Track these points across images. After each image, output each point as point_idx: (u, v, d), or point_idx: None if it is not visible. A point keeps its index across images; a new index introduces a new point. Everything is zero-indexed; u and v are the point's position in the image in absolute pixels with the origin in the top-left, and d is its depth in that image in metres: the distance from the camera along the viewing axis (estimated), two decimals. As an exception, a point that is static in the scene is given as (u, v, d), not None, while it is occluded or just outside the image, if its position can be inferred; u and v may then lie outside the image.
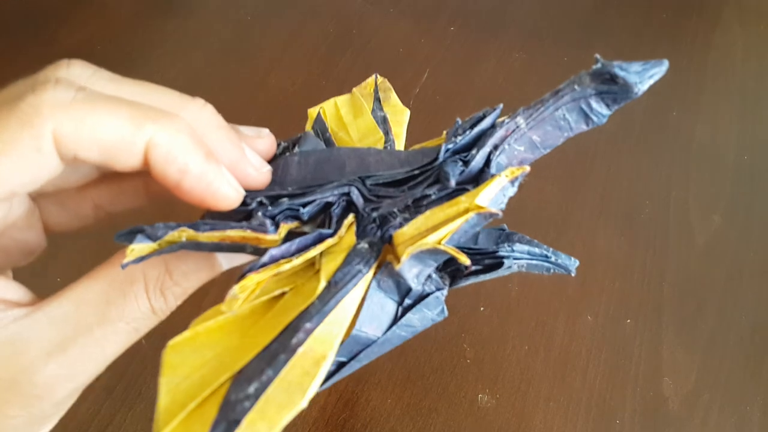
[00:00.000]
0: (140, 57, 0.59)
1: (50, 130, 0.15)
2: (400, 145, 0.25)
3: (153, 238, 0.17)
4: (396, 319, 0.18)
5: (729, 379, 0.43)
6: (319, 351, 0.15)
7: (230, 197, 0.18)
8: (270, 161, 0.21)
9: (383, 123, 0.26)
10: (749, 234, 0.50)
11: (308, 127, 0.26)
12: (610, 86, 0.16)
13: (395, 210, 0.18)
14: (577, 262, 0.19)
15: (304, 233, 0.18)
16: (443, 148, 0.18)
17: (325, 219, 0.19)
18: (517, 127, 0.17)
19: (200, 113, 0.18)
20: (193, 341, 0.16)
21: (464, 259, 0.16)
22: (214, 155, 0.17)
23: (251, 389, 0.14)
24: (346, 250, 0.17)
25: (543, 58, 0.63)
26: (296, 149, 0.22)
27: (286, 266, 0.17)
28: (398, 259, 0.17)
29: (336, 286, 0.16)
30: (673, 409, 0.41)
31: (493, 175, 0.17)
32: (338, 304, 0.16)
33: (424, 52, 0.62)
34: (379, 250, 0.18)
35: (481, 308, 0.45)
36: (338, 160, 0.20)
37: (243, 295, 0.17)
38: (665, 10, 0.68)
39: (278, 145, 0.22)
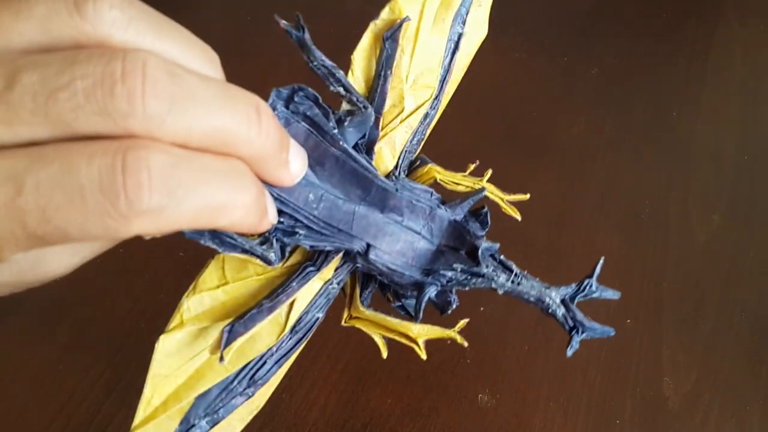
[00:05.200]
0: (140, 57, 0.59)
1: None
2: (458, 74, 0.26)
3: None
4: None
5: (729, 379, 0.43)
6: (256, 402, 0.22)
7: (265, 230, 0.19)
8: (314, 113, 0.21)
9: (450, 54, 0.25)
10: (749, 234, 0.50)
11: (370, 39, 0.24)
12: (566, 321, 0.22)
13: (376, 275, 0.23)
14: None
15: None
16: (429, 281, 0.23)
17: (319, 253, 0.22)
18: (494, 289, 0.23)
19: (264, 145, 0.17)
20: (177, 333, 0.20)
21: (384, 352, 0.23)
22: (265, 212, 0.18)
23: (204, 422, 0.21)
24: (323, 281, 0.22)
25: (543, 58, 0.63)
26: (347, 122, 0.22)
27: (269, 317, 0.21)
28: (348, 317, 0.24)
29: (295, 335, 0.22)
30: (673, 409, 0.41)
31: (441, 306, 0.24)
32: (283, 365, 0.22)
33: (424, 52, 0.62)
34: (342, 287, 0.24)
35: (481, 308, 0.45)
36: (367, 189, 0.22)
37: (231, 351, 0.20)
38: (665, 10, 0.68)
39: (336, 79, 0.22)
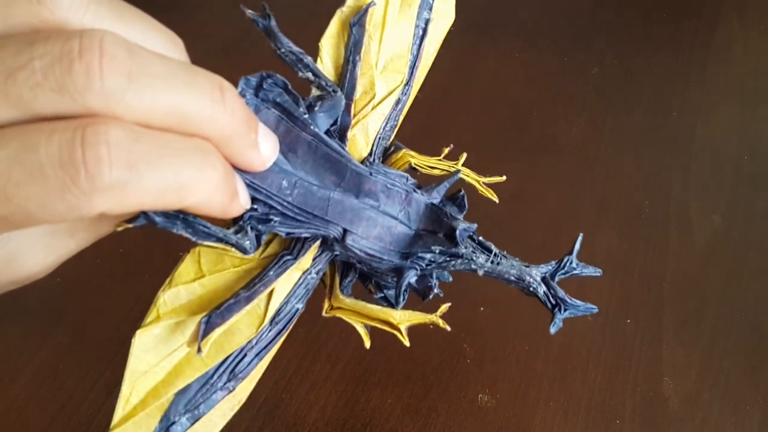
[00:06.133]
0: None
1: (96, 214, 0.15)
2: (428, 60, 0.26)
3: (150, 221, 0.18)
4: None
5: (729, 379, 0.43)
6: (238, 397, 0.21)
7: (237, 214, 0.19)
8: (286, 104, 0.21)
9: (419, 40, 0.25)
10: (749, 234, 0.50)
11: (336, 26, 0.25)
12: (547, 299, 0.23)
13: (355, 263, 0.23)
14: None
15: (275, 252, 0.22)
16: (408, 265, 0.23)
17: (296, 242, 0.22)
18: (474, 270, 0.22)
19: (230, 124, 0.17)
20: (154, 328, 0.20)
21: (367, 342, 0.23)
22: (235, 194, 0.18)
23: (185, 419, 0.20)
24: (301, 271, 0.22)
25: (543, 58, 0.63)
26: (318, 107, 0.22)
27: (247, 307, 0.20)
28: (329, 307, 0.24)
29: (275, 326, 0.22)
30: (673, 409, 0.41)
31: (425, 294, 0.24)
32: (264, 358, 0.22)
33: (424, 52, 0.62)
34: (321, 278, 0.24)
35: (481, 308, 0.45)
36: (341, 174, 0.22)
37: (209, 343, 0.20)
38: (665, 10, 0.68)
39: (304, 65, 0.22)
